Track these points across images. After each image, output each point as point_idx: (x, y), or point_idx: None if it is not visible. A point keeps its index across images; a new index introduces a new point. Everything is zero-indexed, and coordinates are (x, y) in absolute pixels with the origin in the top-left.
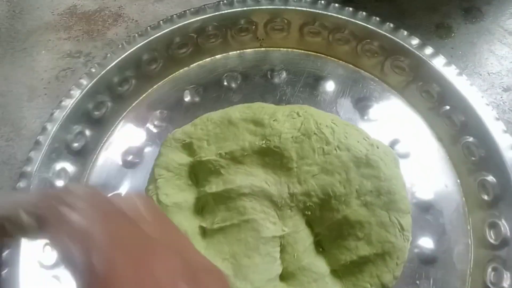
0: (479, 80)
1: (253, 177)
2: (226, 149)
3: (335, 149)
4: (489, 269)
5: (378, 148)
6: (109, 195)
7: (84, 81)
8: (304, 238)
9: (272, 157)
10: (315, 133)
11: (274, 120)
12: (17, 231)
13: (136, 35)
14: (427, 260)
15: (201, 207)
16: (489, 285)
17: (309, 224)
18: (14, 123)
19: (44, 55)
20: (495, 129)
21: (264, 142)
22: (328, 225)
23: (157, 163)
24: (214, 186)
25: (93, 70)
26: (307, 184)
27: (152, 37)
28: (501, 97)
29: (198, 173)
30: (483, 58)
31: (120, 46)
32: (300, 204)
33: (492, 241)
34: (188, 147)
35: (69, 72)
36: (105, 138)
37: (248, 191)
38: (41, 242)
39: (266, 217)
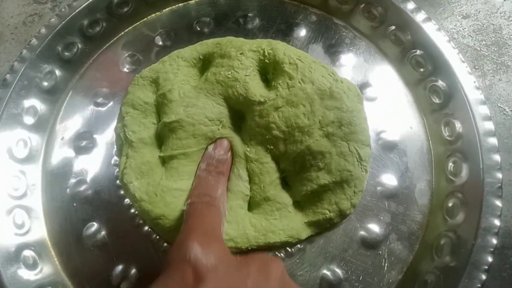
0: (440, 9)
1: (216, 105)
2: (191, 80)
3: (299, 82)
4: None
5: (342, 82)
6: None
7: (54, 22)
8: (270, 171)
9: (235, 89)
10: (279, 70)
11: (241, 54)
12: None
13: None
14: (389, 196)
15: (162, 141)
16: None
17: (276, 160)
18: None
19: (9, 2)
20: (461, 71)
21: (230, 72)
22: (293, 157)
23: (124, 101)
24: (173, 116)
25: (63, 10)
26: (269, 116)
27: None
28: (461, 24)
29: (161, 109)
30: None
31: None
32: (259, 137)
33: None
34: (155, 83)
35: (36, 18)
36: (76, 79)
37: (211, 116)
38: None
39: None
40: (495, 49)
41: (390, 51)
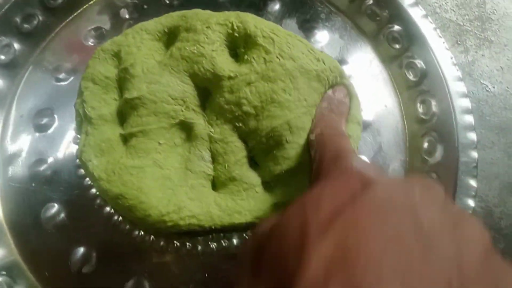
0: None
1: (180, 83)
2: (156, 55)
3: (277, 57)
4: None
5: (324, 64)
6: None
7: None
8: (235, 150)
9: (201, 65)
10: (252, 43)
11: (207, 27)
12: None
13: None
14: None
15: (124, 118)
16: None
17: (243, 139)
18: None
19: None
20: (438, 46)
21: (196, 47)
22: (266, 133)
23: (84, 76)
24: (135, 92)
25: None
26: (240, 92)
27: None
28: None
29: (122, 84)
30: None
31: None
32: (227, 114)
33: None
34: (116, 56)
35: None
36: (37, 53)
37: (174, 95)
38: None
39: (198, 121)
40: (478, 24)
41: (366, 27)
